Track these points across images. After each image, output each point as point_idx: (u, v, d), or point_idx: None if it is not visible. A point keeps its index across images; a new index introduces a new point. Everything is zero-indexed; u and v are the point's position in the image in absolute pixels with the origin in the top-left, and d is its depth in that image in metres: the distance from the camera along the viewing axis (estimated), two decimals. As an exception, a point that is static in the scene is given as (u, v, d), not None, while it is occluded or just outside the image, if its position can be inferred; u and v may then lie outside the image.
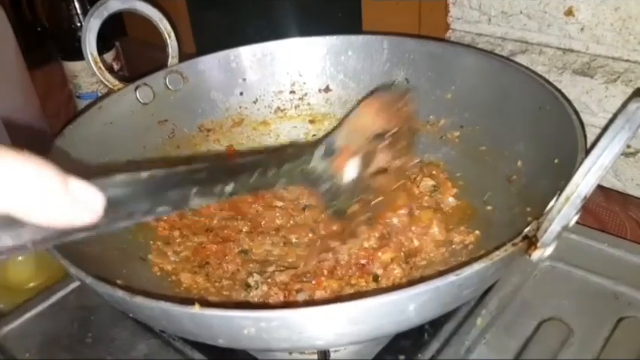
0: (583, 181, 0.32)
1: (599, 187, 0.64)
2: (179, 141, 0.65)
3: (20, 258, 0.68)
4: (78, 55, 1.02)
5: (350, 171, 0.48)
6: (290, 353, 0.50)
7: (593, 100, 0.64)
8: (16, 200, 0.24)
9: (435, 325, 0.51)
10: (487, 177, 0.56)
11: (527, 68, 0.56)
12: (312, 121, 0.70)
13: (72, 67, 1.05)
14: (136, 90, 0.62)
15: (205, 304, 0.33)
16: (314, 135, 0.70)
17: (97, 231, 0.27)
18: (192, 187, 0.33)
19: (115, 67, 1.07)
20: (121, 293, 0.34)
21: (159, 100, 0.63)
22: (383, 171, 0.50)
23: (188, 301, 0.33)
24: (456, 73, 0.62)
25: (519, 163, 0.53)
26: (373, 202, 0.49)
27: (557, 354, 0.48)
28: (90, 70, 0.60)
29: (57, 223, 0.25)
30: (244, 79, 0.68)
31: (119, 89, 0.61)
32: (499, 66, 0.58)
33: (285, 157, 0.45)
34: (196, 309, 0.33)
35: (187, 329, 0.36)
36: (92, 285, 0.36)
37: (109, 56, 1.06)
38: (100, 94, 1.09)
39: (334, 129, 0.51)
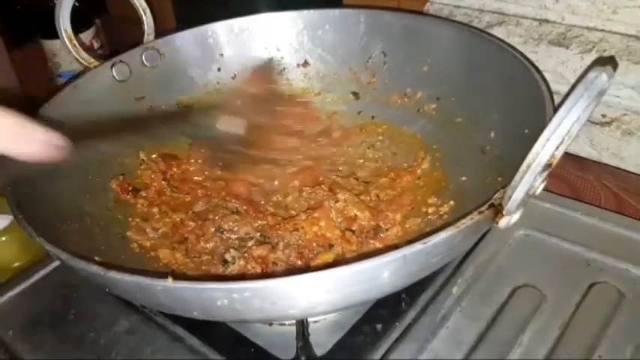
0: (543, 150, 0.33)
1: (575, 157, 0.65)
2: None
3: (3, 238, 0.69)
4: (57, 33, 1.01)
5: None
6: (270, 324, 0.51)
7: (568, 70, 0.64)
8: None
9: (412, 293, 0.52)
10: (462, 148, 0.57)
11: (498, 39, 0.56)
12: (290, 96, 0.70)
13: (51, 45, 1.04)
14: (112, 67, 0.61)
15: (178, 277, 0.34)
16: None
17: None
18: None
19: (95, 45, 1.06)
20: (95, 268, 0.35)
21: (135, 77, 0.63)
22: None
23: (161, 275, 0.34)
24: (431, 46, 0.62)
25: (492, 134, 0.54)
26: None
27: (529, 319, 0.49)
28: (65, 49, 0.60)
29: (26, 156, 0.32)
30: (222, 55, 0.68)
31: (95, 67, 0.61)
32: (472, 38, 0.58)
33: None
34: (169, 282, 0.34)
35: (162, 302, 0.37)
36: (68, 261, 0.36)
37: (88, 34, 1.05)
38: (80, 73, 1.07)
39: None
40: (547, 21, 0.67)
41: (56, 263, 0.60)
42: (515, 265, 0.55)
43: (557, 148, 0.33)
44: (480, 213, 0.36)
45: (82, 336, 0.53)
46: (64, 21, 0.60)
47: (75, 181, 0.54)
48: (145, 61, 0.64)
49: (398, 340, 0.49)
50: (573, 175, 0.65)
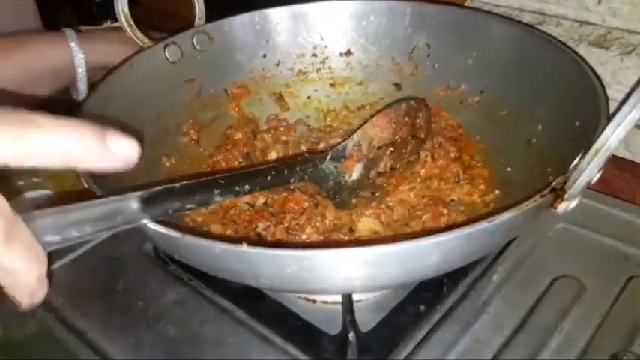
0: (612, 136, 0.34)
1: (612, 157, 0.66)
2: (205, 100, 0.66)
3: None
4: (95, 20, 1.04)
5: (354, 174, 0.58)
6: (314, 301, 0.53)
7: (607, 72, 0.65)
8: (65, 160, 0.29)
9: (454, 279, 0.53)
10: (507, 140, 0.58)
11: (548, 35, 0.57)
12: (332, 85, 0.71)
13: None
14: (165, 48, 0.63)
15: (252, 243, 0.35)
16: (334, 98, 0.71)
17: (137, 224, 0.35)
18: (214, 190, 0.40)
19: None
20: (173, 233, 0.36)
21: (186, 59, 0.65)
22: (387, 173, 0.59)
23: (236, 240, 0.35)
24: (477, 40, 0.64)
25: (539, 126, 0.55)
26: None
27: (569, 309, 0.50)
28: (123, 28, 0.61)
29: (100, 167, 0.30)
30: (268, 42, 0.70)
31: (149, 47, 0.62)
32: (520, 32, 0.60)
33: (298, 162, 0.53)
34: (244, 247, 0.35)
35: (233, 268, 0.38)
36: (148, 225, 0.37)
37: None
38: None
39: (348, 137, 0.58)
40: (588, 22, 0.68)
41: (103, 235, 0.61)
42: (555, 256, 0.56)
43: (624, 135, 0.35)
44: (543, 196, 0.37)
45: (131, 305, 0.54)
46: (122, 2, 0.61)
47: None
48: (195, 44, 0.66)
49: (440, 321, 0.50)
50: (610, 174, 0.66)
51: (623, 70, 0.65)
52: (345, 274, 0.37)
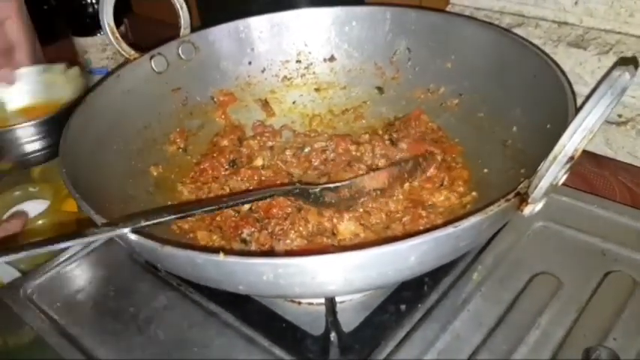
0: (569, 142, 0.36)
1: (591, 154, 0.68)
2: (192, 108, 0.68)
3: (40, 222, 0.73)
4: (88, 30, 1.05)
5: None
6: (299, 303, 0.54)
7: (586, 71, 0.67)
8: None
9: (435, 278, 0.55)
10: (484, 142, 0.60)
11: (523, 39, 0.59)
12: (317, 90, 0.73)
13: (83, 42, 1.08)
14: (151, 59, 0.65)
15: (229, 252, 0.37)
16: (319, 103, 0.73)
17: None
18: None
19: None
20: (151, 243, 0.38)
21: (172, 69, 0.66)
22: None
23: (213, 250, 0.37)
24: (455, 43, 0.65)
25: (515, 128, 0.56)
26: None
27: (547, 304, 0.52)
28: (107, 41, 0.63)
29: None
30: (252, 49, 0.71)
31: (135, 59, 0.64)
32: (497, 36, 0.61)
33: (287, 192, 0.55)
34: (221, 257, 0.37)
35: (211, 277, 0.40)
36: (127, 236, 0.39)
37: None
38: (109, 70, 1.12)
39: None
40: (566, 23, 0.69)
41: (93, 245, 0.63)
42: (533, 254, 0.57)
43: (581, 141, 0.36)
44: (507, 201, 0.39)
45: (122, 311, 0.56)
46: (107, 15, 0.63)
47: (120, 167, 0.57)
48: (181, 54, 0.67)
49: (421, 320, 0.52)
50: (590, 172, 0.68)
51: (602, 69, 0.66)
52: (320, 279, 0.38)
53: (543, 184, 0.37)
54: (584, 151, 0.39)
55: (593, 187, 0.67)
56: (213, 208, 0.45)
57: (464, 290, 0.54)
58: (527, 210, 0.40)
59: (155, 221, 0.40)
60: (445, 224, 0.37)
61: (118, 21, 1.01)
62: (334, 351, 0.48)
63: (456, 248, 0.40)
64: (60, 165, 0.48)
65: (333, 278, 0.39)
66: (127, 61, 0.64)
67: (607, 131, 0.67)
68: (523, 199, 0.40)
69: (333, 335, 0.47)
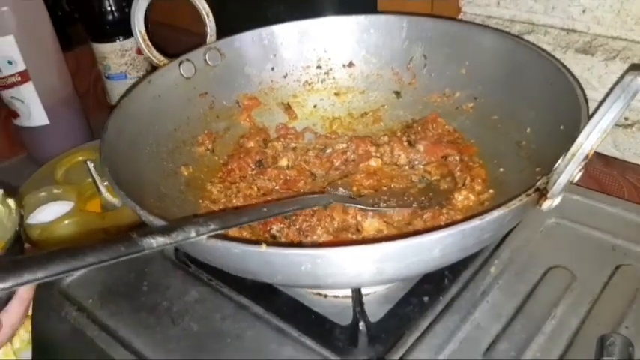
0: (586, 141, 0.39)
1: (600, 155, 0.71)
2: (218, 112, 0.71)
3: (66, 222, 0.76)
4: (108, 37, 1.09)
5: None
6: (325, 296, 0.57)
7: (593, 77, 0.70)
8: None
9: (454, 272, 0.58)
10: (499, 143, 0.63)
11: (536, 46, 0.62)
12: (337, 94, 0.76)
13: (102, 49, 1.12)
14: (179, 65, 0.68)
15: (270, 244, 0.40)
16: (339, 106, 0.76)
17: None
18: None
19: (143, 50, 1.14)
20: (197, 237, 0.41)
21: (200, 74, 0.69)
22: None
23: (255, 242, 0.40)
24: (470, 50, 0.68)
25: (528, 130, 0.59)
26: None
27: (562, 295, 0.55)
28: (139, 47, 0.66)
29: None
30: (275, 55, 0.75)
31: (164, 64, 0.67)
32: (511, 44, 0.64)
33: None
34: (263, 248, 0.40)
35: (252, 268, 0.43)
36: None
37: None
38: (127, 75, 1.16)
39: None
40: (574, 31, 0.72)
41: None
42: (547, 249, 0.60)
43: (597, 140, 0.39)
44: (528, 196, 0.42)
45: (156, 305, 0.59)
46: (138, 22, 0.66)
47: (153, 167, 0.60)
48: (207, 60, 0.70)
49: (443, 311, 0.55)
50: (599, 172, 0.71)
51: (609, 75, 0.69)
52: (354, 270, 0.41)
53: (562, 179, 0.40)
54: (594, 153, 0.42)
55: (603, 186, 0.70)
56: (266, 216, 0.48)
57: (482, 283, 0.57)
58: (546, 205, 0.43)
59: (221, 230, 0.42)
60: (468, 219, 0.40)
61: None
62: (362, 339, 0.51)
63: (479, 240, 0.43)
64: (103, 167, 0.51)
65: (366, 268, 0.42)
66: (157, 67, 0.67)
67: (614, 133, 0.70)
68: (542, 194, 0.43)
69: (361, 324, 0.50)
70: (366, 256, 0.40)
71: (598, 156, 0.71)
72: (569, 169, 0.40)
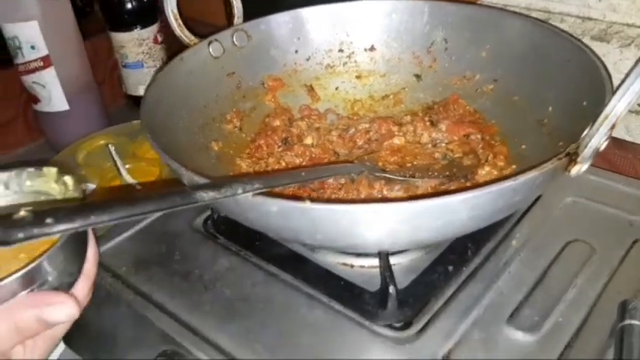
0: (619, 103, 0.41)
1: (615, 139, 0.73)
2: (245, 92, 0.73)
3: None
4: (126, 26, 1.11)
5: None
6: (352, 266, 0.59)
7: (609, 63, 0.71)
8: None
9: (477, 244, 0.60)
10: (520, 122, 0.65)
11: (555, 27, 0.64)
12: (358, 77, 0.78)
13: (120, 37, 1.14)
14: (209, 45, 0.70)
15: (313, 200, 0.42)
16: (360, 89, 0.78)
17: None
18: None
19: (159, 38, 1.17)
20: (244, 194, 0.43)
21: (227, 54, 0.71)
22: None
23: (299, 199, 0.42)
24: (490, 34, 0.70)
25: (550, 108, 0.61)
26: None
27: (582, 267, 0.57)
28: (171, 26, 0.68)
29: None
30: (299, 39, 0.77)
31: (195, 44, 0.69)
32: (530, 26, 0.66)
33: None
34: (307, 203, 0.42)
35: (293, 225, 0.45)
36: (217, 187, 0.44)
37: (154, 28, 1.15)
38: (144, 64, 1.18)
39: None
40: (589, 18, 0.75)
41: (155, 215, 0.68)
42: (566, 224, 0.62)
43: (626, 106, 0.41)
44: (559, 159, 0.44)
45: (188, 272, 0.61)
46: (171, 2, 0.68)
47: (186, 141, 0.62)
48: (235, 41, 0.72)
49: (466, 280, 0.56)
50: (613, 154, 0.73)
51: (623, 61, 0.71)
52: (392, 227, 0.43)
53: (593, 142, 0.42)
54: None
55: (617, 167, 0.72)
56: (305, 179, 0.49)
57: (504, 255, 0.59)
58: (575, 170, 0.45)
59: (264, 189, 0.43)
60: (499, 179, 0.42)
61: (152, 19, 1.08)
62: (392, 303, 0.52)
63: (510, 203, 0.45)
64: (145, 133, 0.53)
65: (403, 226, 0.44)
66: (188, 46, 0.69)
67: (627, 120, 0.72)
68: (572, 159, 0.45)
69: (391, 288, 0.52)
70: (406, 212, 0.42)
71: (613, 140, 0.73)
72: (601, 132, 0.42)
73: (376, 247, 0.50)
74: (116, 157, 0.87)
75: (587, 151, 0.43)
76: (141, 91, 1.18)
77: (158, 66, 1.24)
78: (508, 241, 0.61)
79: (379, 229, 0.44)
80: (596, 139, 0.43)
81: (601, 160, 0.72)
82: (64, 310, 0.41)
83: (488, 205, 0.44)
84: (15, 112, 1.11)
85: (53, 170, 0.50)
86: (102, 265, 0.62)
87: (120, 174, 0.86)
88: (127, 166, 0.86)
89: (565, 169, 0.46)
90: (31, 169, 0.50)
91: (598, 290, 0.54)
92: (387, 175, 0.58)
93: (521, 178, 0.42)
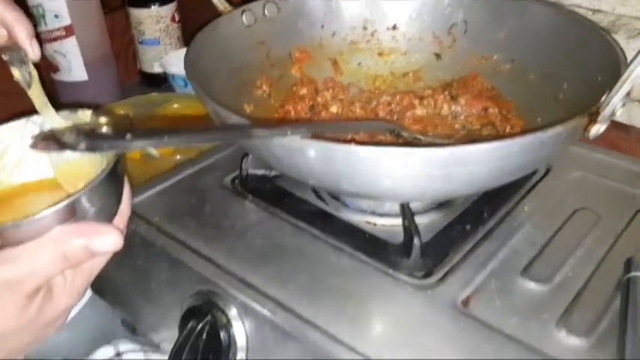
0: (638, 68, 0.46)
1: (618, 123, 0.78)
2: (273, 60, 0.77)
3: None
4: (144, 2, 1.15)
5: None
6: (374, 225, 0.63)
7: (616, 52, 0.77)
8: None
9: (492, 208, 0.64)
10: (536, 98, 0.69)
11: (572, 10, 0.69)
12: (380, 54, 0.82)
13: (138, 13, 1.18)
14: (242, 14, 0.74)
15: (358, 143, 0.46)
16: (382, 65, 0.83)
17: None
18: None
19: (176, 17, 1.21)
20: (290, 137, 0.46)
21: (258, 24, 0.75)
22: None
23: (345, 141, 0.46)
24: (509, 17, 0.75)
25: (565, 85, 0.66)
26: None
27: (589, 230, 0.61)
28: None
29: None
30: (325, 14, 0.80)
31: (229, 12, 0.73)
32: (549, 9, 0.71)
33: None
34: (353, 146, 0.46)
35: (336, 169, 0.48)
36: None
37: (171, 7, 1.19)
38: (161, 42, 1.22)
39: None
40: (600, 11, 0.80)
41: (188, 171, 0.72)
42: (574, 194, 0.67)
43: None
44: (582, 117, 0.48)
45: (219, 223, 0.64)
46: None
47: (220, 100, 0.65)
48: (265, 12, 0.76)
49: (482, 238, 0.60)
50: (617, 137, 0.78)
51: (628, 51, 0.75)
52: (427, 172, 0.47)
53: (615, 100, 0.47)
54: (612, 121, 0.49)
55: (621, 149, 0.77)
56: (345, 130, 0.53)
57: (517, 219, 0.64)
58: (594, 130, 0.49)
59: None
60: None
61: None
62: (416, 253, 0.56)
63: (535, 157, 0.49)
64: (191, 81, 0.57)
65: (447, 172, 0.47)
66: (222, 14, 0.73)
67: (629, 107, 0.77)
68: (592, 119, 0.49)
69: (416, 239, 0.56)
70: (451, 156, 0.46)
71: (616, 123, 0.78)
72: (623, 90, 0.46)
73: (407, 196, 0.54)
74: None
75: (607, 110, 0.48)
76: (156, 69, 1.22)
77: (174, 44, 1.28)
78: (521, 207, 0.65)
79: (413, 174, 0.48)
80: (618, 97, 0.47)
81: (606, 142, 0.77)
82: (111, 239, 0.43)
83: (515, 157, 0.48)
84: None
85: (88, 112, 0.52)
86: (136, 214, 0.65)
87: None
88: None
89: (584, 129, 0.50)
90: (66, 111, 0.53)
91: (604, 250, 0.59)
92: (417, 136, 0.62)
93: (550, 131, 0.46)
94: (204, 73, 0.62)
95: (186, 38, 1.28)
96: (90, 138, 0.34)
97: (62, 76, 1.12)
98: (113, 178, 0.46)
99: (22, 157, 0.53)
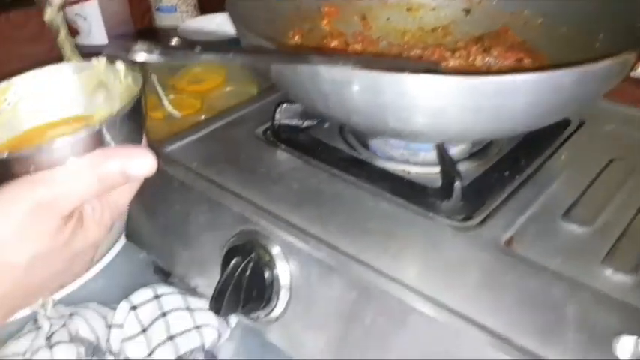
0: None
1: None
2: (304, 14, 0.76)
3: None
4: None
5: None
6: (409, 173, 0.63)
7: None
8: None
9: (528, 158, 0.64)
10: (570, 49, 0.68)
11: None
12: (409, 9, 0.82)
13: (155, -19, 1.17)
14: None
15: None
16: (410, 21, 0.82)
17: None
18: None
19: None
20: (342, 64, 0.46)
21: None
22: None
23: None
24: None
25: (601, 35, 0.66)
26: None
27: (627, 177, 0.61)
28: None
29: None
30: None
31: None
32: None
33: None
34: (406, 74, 0.45)
35: (384, 100, 0.48)
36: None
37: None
38: (177, 9, 1.21)
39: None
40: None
41: (222, 122, 0.72)
42: (608, 146, 0.67)
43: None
44: (631, 52, 0.48)
45: (255, 169, 0.64)
46: None
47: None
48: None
49: (521, 185, 0.60)
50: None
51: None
52: (476, 102, 0.47)
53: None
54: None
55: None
56: (390, 67, 0.53)
57: (554, 167, 0.63)
58: (641, 68, 0.49)
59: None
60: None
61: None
62: (457, 195, 0.56)
63: (586, 91, 0.49)
64: (234, 22, 0.56)
65: (488, 103, 0.47)
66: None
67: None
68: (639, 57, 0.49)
69: (457, 183, 0.56)
70: (502, 84, 0.46)
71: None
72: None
73: (451, 133, 0.54)
74: (159, 88, 0.89)
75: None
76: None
77: (190, 12, 1.28)
78: (557, 157, 0.65)
79: (462, 104, 0.48)
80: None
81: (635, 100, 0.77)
82: (146, 163, 0.42)
83: (567, 89, 0.48)
84: (49, 47, 1.13)
85: (102, 60, 0.47)
86: (172, 161, 0.66)
87: (162, 104, 0.89)
88: (171, 97, 0.89)
89: (631, 66, 0.50)
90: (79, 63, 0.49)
91: (641, 196, 0.59)
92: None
93: (602, 63, 0.46)
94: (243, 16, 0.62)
95: (203, 5, 1.28)
96: (163, 47, 0.35)
97: (82, 40, 1.12)
98: (137, 113, 0.45)
99: (37, 106, 0.51)
